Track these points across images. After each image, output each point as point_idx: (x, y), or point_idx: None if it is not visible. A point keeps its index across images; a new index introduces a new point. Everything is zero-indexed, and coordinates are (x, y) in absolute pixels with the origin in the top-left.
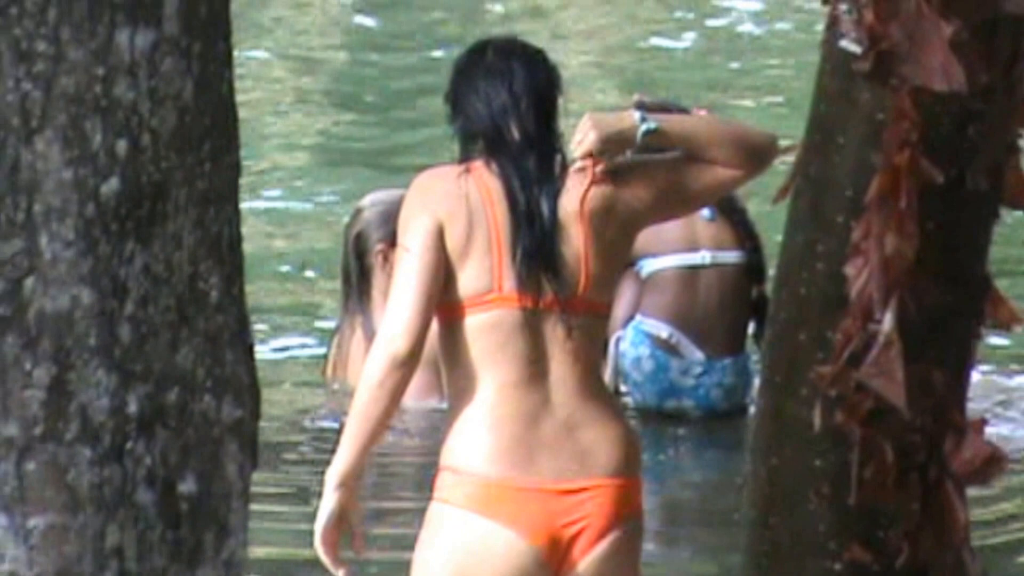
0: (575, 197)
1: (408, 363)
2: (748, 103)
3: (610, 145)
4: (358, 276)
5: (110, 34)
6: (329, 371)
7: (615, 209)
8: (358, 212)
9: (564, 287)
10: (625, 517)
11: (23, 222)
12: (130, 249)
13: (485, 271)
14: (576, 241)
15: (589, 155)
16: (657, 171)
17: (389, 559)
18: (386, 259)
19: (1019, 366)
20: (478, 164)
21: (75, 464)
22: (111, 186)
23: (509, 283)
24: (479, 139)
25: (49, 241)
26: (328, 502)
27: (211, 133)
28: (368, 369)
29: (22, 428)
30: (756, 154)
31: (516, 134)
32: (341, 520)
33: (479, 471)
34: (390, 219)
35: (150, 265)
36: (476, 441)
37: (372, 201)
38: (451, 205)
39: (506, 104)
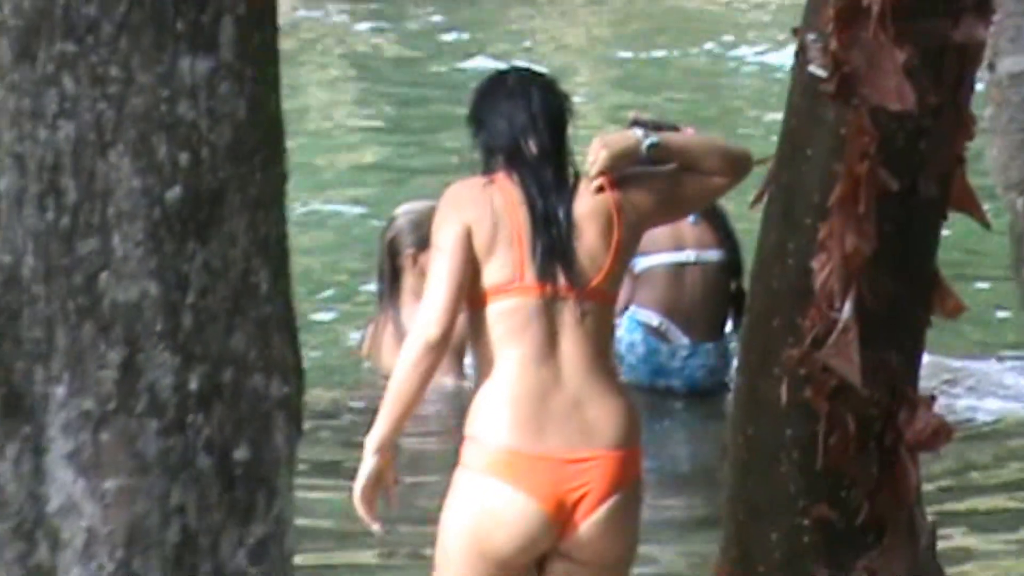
0: (588, 202)
1: (439, 347)
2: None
3: (619, 161)
4: (391, 275)
5: (174, 61)
6: (364, 351)
7: (623, 212)
8: (392, 220)
9: (578, 278)
10: (624, 484)
11: (98, 224)
12: (191, 247)
13: (508, 264)
14: (589, 240)
15: (602, 173)
16: (658, 180)
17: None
18: (415, 261)
19: (963, 350)
20: (500, 175)
21: (143, 434)
22: (174, 193)
23: (530, 274)
24: (500, 153)
25: (121, 241)
26: (367, 465)
27: (261, 147)
28: (405, 351)
29: (98, 403)
30: (739, 165)
31: (534, 149)
32: (378, 481)
33: (496, 441)
34: (419, 227)
35: (208, 261)
36: (495, 414)
37: (404, 211)
38: (478, 211)
39: (525, 123)
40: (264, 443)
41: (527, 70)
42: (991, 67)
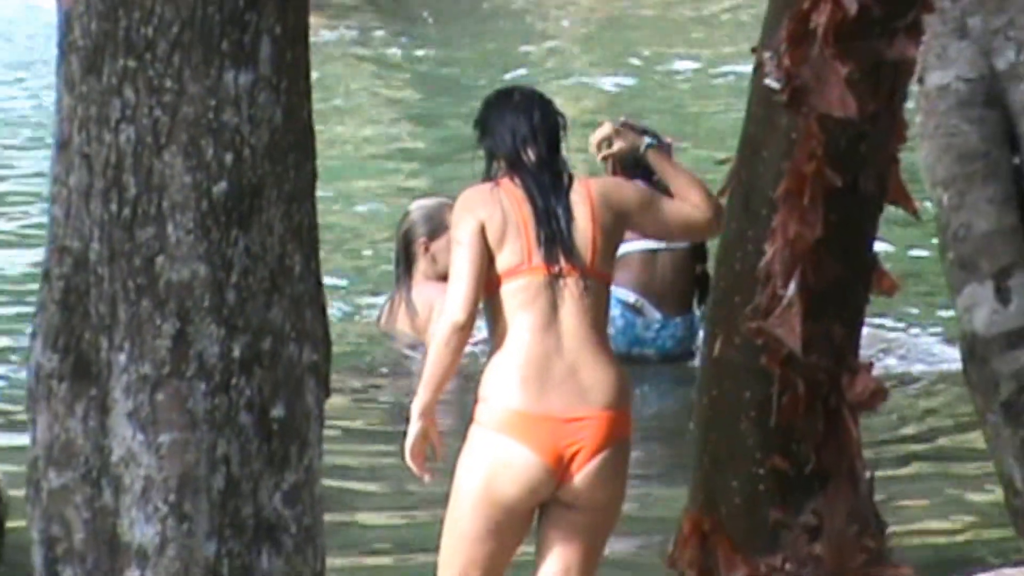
0: (583, 197)
1: (466, 327)
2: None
3: (623, 150)
4: (405, 260)
5: (219, 74)
6: (382, 322)
7: (609, 206)
8: (407, 214)
9: (577, 259)
10: (614, 440)
11: (155, 215)
12: (234, 235)
13: (517, 251)
14: (584, 228)
15: (605, 157)
16: (636, 191)
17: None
18: (427, 249)
19: (894, 323)
20: (504, 180)
21: (193, 395)
22: (220, 187)
23: (536, 258)
24: (503, 159)
25: (174, 228)
26: (413, 428)
27: (294, 148)
28: (437, 332)
29: (154, 368)
30: (718, 210)
31: (532, 157)
32: (424, 440)
33: (505, 402)
34: (430, 219)
35: (249, 247)
36: (503, 378)
37: (417, 206)
38: (488, 209)
39: (526, 135)
40: (297, 402)
41: (532, 89)
42: (920, 80)
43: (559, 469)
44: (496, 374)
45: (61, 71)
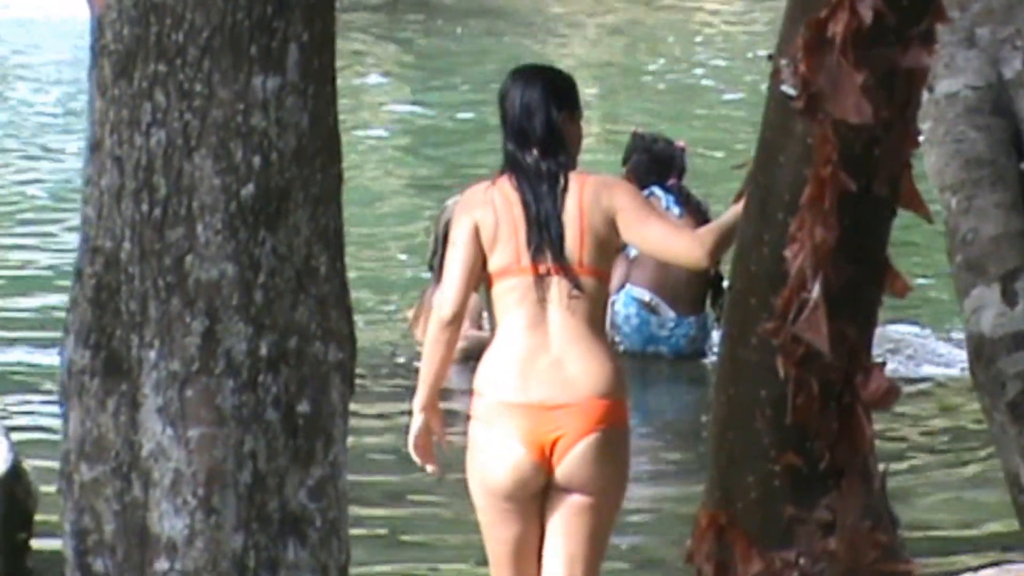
0: (575, 196)
1: (453, 323)
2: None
3: None
4: (442, 255)
5: (248, 80)
6: (411, 317)
7: (599, 205)
8: (444, 208)
9: (563, 261)
10: (598, 427)
11: (185, 215)
12: (262, 236)
13: (509, 252)
14: (573, 227)
15: None
16: (634, 199)
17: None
18: None
19: (904, 325)
20: (501, 179)
21: (221, 391)
22: (248, 190)
23: (525, 259)
24: (507, 159)
25: (203, 229)
26: (416, 421)
27: (321, 152)
28: (429, 329)
29: (183, 365)
30: (708, 262)
31: (530, 156)
32: (428, 432)
33: (492, 394)
34: None
35: (276, 247)
36: (492, 372)
37: (455, 201)
38: (482, 210)
39: (528, 139)
40: (322, 399)
41: (540, 72)
42: (930, 89)
43: (543, 456)
44: (487, 369)
45: (93, 75)
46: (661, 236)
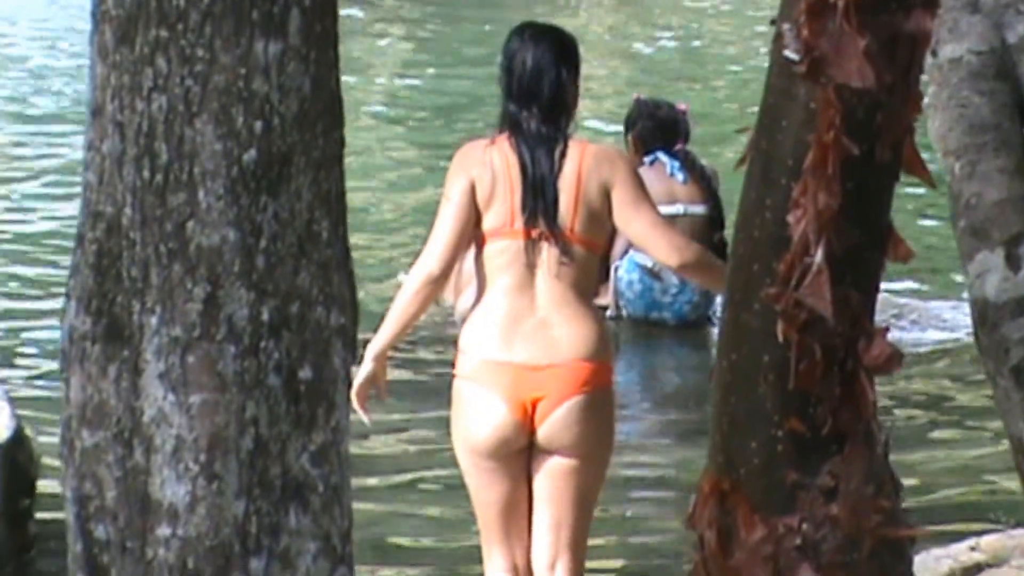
0: (574, 163)
1: (437, 280)
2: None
3: None
4: None
5: (250, 44)
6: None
7: (597, 175)
8: None
9: (556, 226)
10: (581, 389)
11: (186, 181)
12: (264, 201)
13: (503, 213)
14: (568, 195)
15: None
16: (632, 179)
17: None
18: None
19: (904, 289)
20: (501, 137)
21: (223, 357)
22: (250, 155)
23: (518, 222)
24: (507, 120)
25: (205, 195)
26: (365, 367)
27: (323, 116)
28: (409, 280)
29: (185, 331)
30: (682, 270)
31: (533, 125)
32: (372, 381)
33: (476, 352)
34: None
35: (278, 212)
36: (477, 330)
37: None
38: (480, 168)
39: (530, 102)
40: (324, 365)
41: (547, 33)
42: (934, 53)
43: (525, 416)
44: (471, 326)
45: (94, 40)
46: (647, 228)
